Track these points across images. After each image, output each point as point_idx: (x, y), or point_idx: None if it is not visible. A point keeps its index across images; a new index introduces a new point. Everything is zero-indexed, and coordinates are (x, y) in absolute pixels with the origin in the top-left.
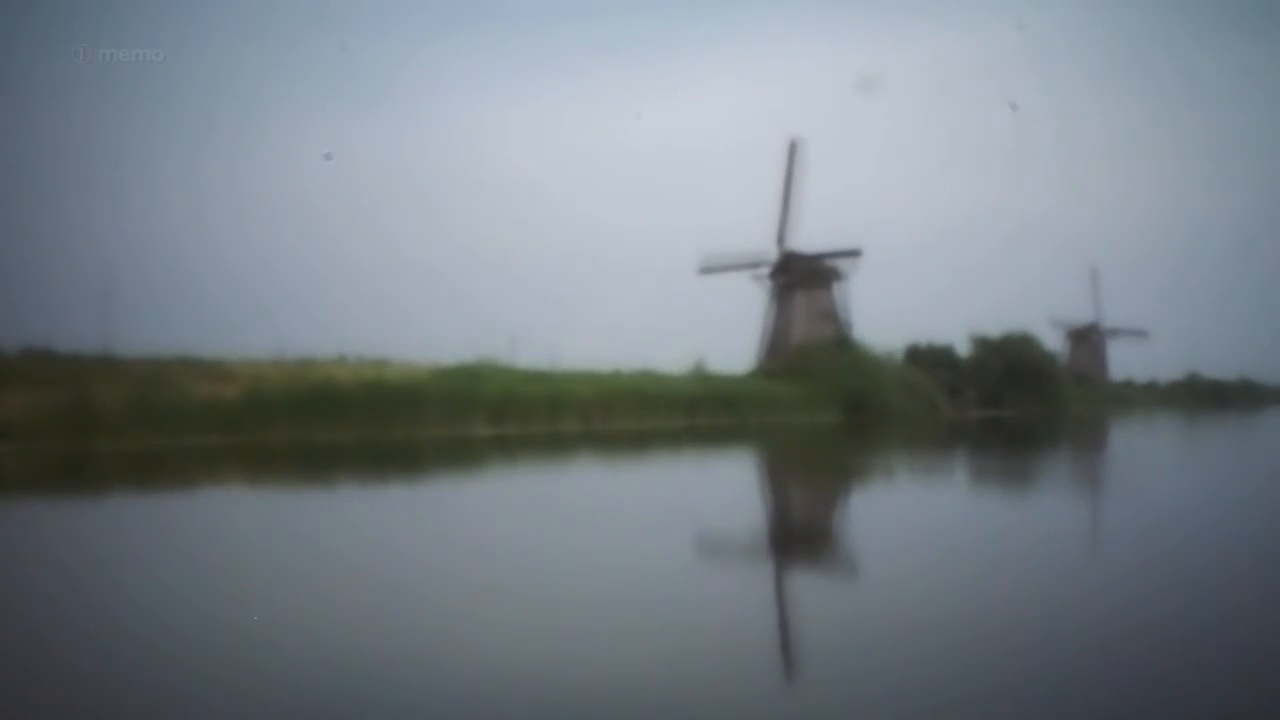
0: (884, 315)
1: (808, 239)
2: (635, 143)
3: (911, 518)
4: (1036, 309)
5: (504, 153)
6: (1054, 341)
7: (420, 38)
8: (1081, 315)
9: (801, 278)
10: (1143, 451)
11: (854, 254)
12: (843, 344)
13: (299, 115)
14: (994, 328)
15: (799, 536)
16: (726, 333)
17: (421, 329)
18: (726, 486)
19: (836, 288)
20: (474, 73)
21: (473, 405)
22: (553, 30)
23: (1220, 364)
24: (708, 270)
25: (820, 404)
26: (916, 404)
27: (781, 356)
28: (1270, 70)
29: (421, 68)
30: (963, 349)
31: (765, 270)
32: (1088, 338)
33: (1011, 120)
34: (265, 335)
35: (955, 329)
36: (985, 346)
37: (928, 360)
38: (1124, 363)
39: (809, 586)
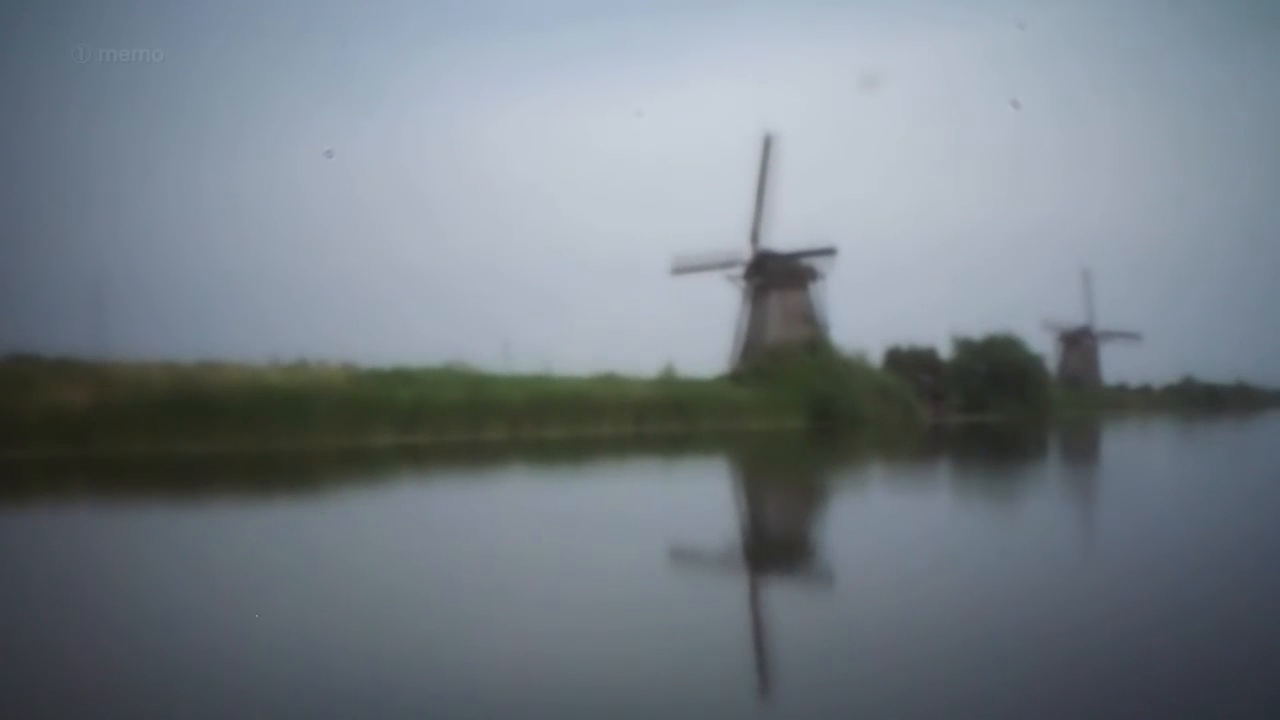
0: (884, 322)
1: (795, 239)
2: (633, 146)
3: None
4: (1039, 313)
5: (500, 156)
6: (1046, 345)
7: (416, 41)
8: (1074, 318)
9: (776, 278)
10: (1124, 458)
11: (829, 252)
12: (811, 346)
13: (297, 116)
14: (992, 332)
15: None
16: (723, 337)
17: (417, 333)
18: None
19: (813, 288)
20: (470, 76)
21: (377, 413)
22: (549, 33)
23: (1216, 368)
24: (680, 270)
25: (785, 409)
26: (891, 409)
27: (755, 359)
28: (1274, 70)
29: (417, 71)
30: (946, 352)
31: (739, 270)
32: (1080, 341)
33: (1013, 119)
34: (260, 339)
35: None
36: (968, 349)
37: (909, 364)
38: (1118, 366)
39: (631, 659)
